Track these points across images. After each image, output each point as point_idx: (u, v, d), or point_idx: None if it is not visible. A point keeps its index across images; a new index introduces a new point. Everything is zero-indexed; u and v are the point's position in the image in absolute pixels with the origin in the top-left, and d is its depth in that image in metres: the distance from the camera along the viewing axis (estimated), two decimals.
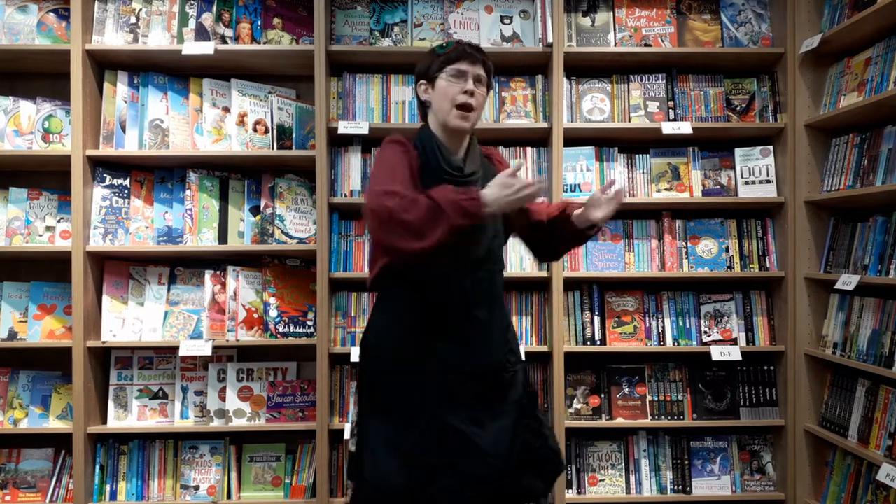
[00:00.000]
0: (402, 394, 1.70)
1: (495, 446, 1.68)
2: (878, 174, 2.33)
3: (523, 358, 1.93)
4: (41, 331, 2.66)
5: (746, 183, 2.77)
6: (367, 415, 1.75)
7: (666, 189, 2.78)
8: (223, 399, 2.68)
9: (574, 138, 2.73)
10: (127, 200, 2.68)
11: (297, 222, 2.71)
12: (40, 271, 2.75)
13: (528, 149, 2.76)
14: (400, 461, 1.66)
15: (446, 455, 1.66)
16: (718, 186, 2.79)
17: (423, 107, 1.83)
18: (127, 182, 2.69)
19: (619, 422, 2.72)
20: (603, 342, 2.74)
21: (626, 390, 2.75)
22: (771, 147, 2.76)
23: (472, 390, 1.70)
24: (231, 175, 2.75)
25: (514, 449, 1.72)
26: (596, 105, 2.77)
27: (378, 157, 1.74)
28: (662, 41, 2.77)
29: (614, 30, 2.78)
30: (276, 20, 2.74)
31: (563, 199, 1.90)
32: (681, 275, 2.74)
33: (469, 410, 1.69)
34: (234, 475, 2.69)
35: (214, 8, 2.70)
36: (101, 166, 2.66)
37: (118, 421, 2.67)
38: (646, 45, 2.77)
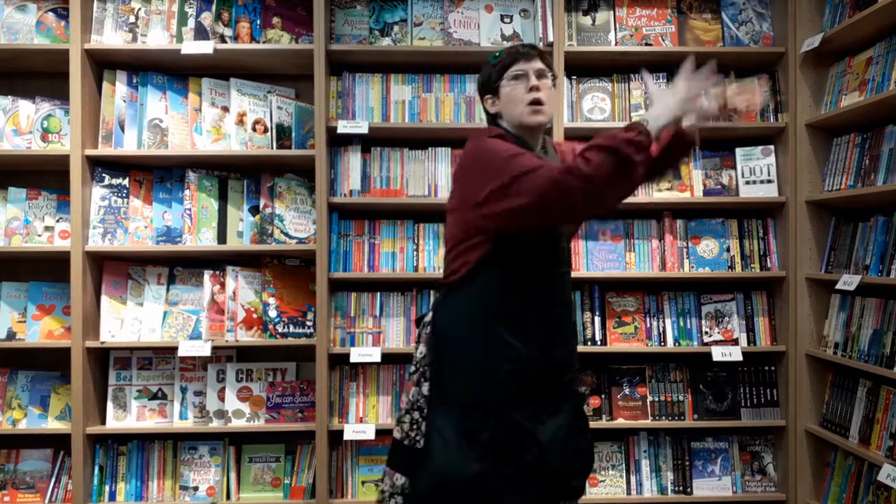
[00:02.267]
0: (474, 385, 1.69)
1: (553, 443, 1.70)
2: (879, 174, 2.32)
3: None
4: (40, 331, 2.65)
5: (747, 183, 2.76)
6: (436, 405, 1.74)
7: (667, 189, 2.77)
8: (222, 399, 2.67)
9: (575, 138, 2.72)
10: (126, 200, 2.68)
11: (296, 222, 2.71)
12: (39, 271, 2.74)
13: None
14: (470, 450, 1.67)
15: (509, 447, 1.67)
16: (719, 186, 2.78)
17: (494, 119, 1.81)
18: (126, 182, 2.68)
19: (620, 422, 2.71)
20: (603, 342, 2.73)
21: (627, 391, 2.74)
22: (772, 147, 2.76)
23: (539, 387, 1.71)
24: (230, 175, 2.75)
25: (569, 448, 1.74)
26: (596, 104, 2.77)
27: (492, 150, 1.65)
28: (663, 40, 2.77)
29: (615, 29, 2.77)
30: (275, 19, 2.73)
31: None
32: (682, 275, 2.73)
33: (532, 406, 1.70)
34: (233, 476, 2.69)
35: (213, 7, 2.69)
36: (100, 166, 2.65)
37: (117, 421, 2.66)
38: (646, 44, 2.76)
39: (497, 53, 1.77)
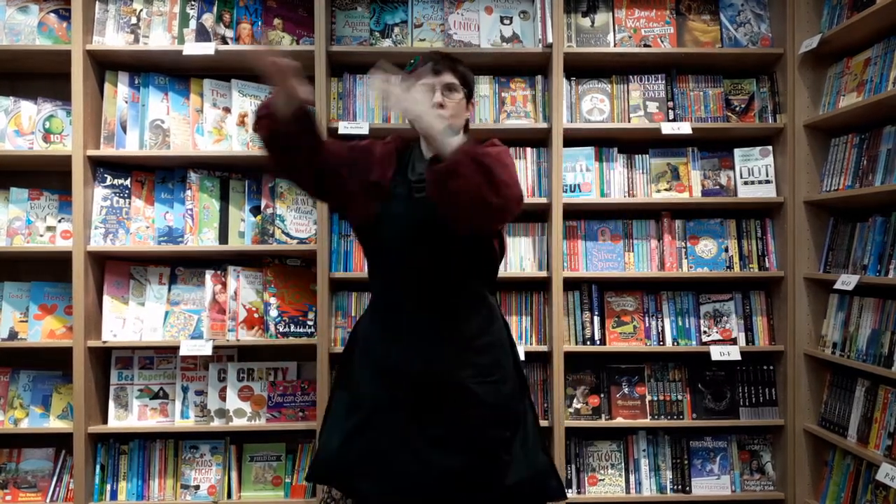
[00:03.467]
0: (360, 376, 1.81)
1: (427, 454, 1.68)
2: (877, 174, 2.33)
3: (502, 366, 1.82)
4: (42, 331, 2.66)
5: (746, 183, 2.77)
6: (337, 387, 1.92)
7: (665, 189, 2.78)
8: (223, 399, 2.68)
9: (574, 138, 2.74)
10: (128, 200, 2.69)
11: (297, 222, 2.72)
12: (41, 271, 2.75)
13: (528, 149, 2.76)
14: (342, 435, 1.76)
15: (378, 447, 1.72)
16: (718, 187, 2.80)
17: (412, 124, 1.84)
18: (128, 182, 2.70)
19: (619, 421, 2.73)
20: (602, 342, 2.74)
21: (626, 390, 2.75)
22: (770, 147, 2.77)
23: (413, 395, 1.71)
24: (231, 175, 2.76)
25: (451, 464, 1.68)
26: (595, 105, 2.78)
27: None
28: (662, 42, 2.78)
29: (614, 30, 2.78)
30: (276, 21, 2.75)
31: None
32: (680, 275, 2.74)
33: (410, 412, 1.71)
34: (234, 475, 2.70)
35: (215, 9, 2.70)
36: (102, 166, 2.67)
37: (119, 421, 2.67)
38: (645, 45, 2.77)
39: (413, 60, 1.80)
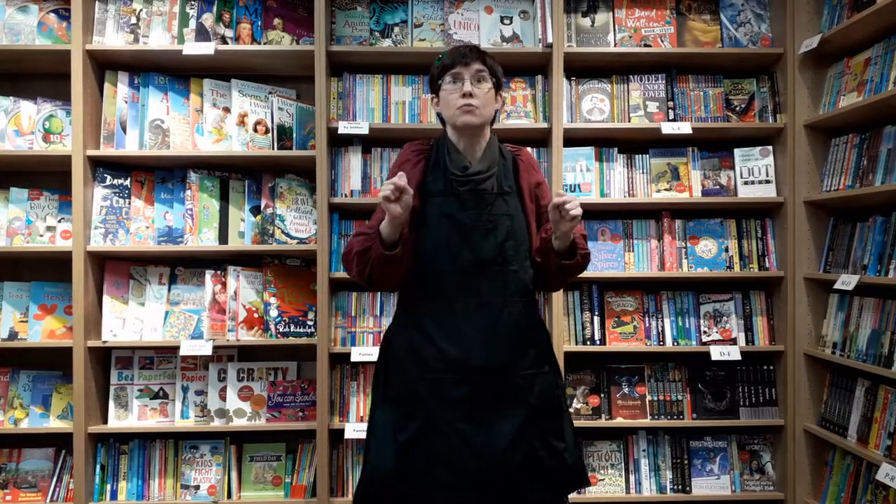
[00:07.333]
0: (406, 386, 1.75)
1: (489, 447, 1.68)
2: (877, 174, 2.33)
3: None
4: (42, 331, 2.66)
5: (746, 183, 2.77)
6: (377, 404, 1.82)
7: (665, 189, 2.78)
8: (224, 399, 2.68)
9: (574, 138, 2.74)
10: (127, 200, 2.69)
11: (297, 222, 2.72)
12: (41, 271, 2.75)
13: (529, 149, 2.76)
14: (396, 449, 1.71)
15: (440, 450, 1.69)
16: (718, 186, 2.80)
17: (441, 119, 1.87)
18: (127, 182, 2.70)
19: (619, 421, 2.73)
20: (603, 342, 2.74)
21: (626, 390, 2.75)
22: (770, 147, 2.77)
23: (472, 389, 1.71)
24: (231, 175, 2.76)
25: (512, 454, 1.70)
26: (595, 105, 2.78)
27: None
28: (662, 41, 2.78)
29: (614, 30, 2.78)
30: (276, 20, 2.74)
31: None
32: (680, 275, 2.74)
33: (468, 408, 1.70)
34: (234, 475, 2.70)
35: (215, 8, 2.70)
36: (102, 166, 2.67)
37: (119, 421, 2.67)
38: (645, 45, 2.77)
39: (441, 55, 1.82)
